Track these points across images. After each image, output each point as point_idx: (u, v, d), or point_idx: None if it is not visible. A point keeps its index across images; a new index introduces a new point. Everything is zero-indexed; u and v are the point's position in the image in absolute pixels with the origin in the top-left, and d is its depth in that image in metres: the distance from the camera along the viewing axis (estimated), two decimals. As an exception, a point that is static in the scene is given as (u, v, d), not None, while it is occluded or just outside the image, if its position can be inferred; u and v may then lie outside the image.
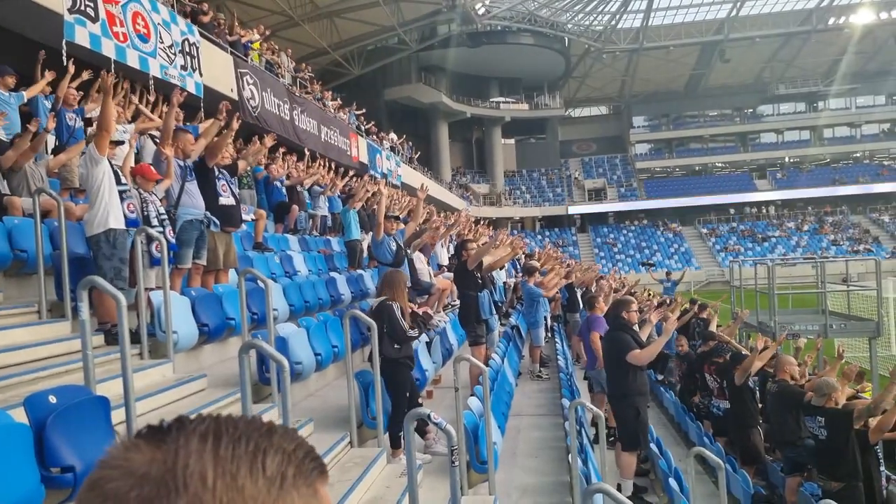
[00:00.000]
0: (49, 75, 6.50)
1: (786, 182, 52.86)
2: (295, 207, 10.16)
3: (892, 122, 55.45)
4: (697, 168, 57.09)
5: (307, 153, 13.63)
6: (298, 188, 10.56)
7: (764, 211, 52.51)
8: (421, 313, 5.09)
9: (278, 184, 10.33)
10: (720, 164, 57.29)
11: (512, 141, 55.87)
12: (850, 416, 5.48)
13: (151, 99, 8.51)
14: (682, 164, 57.39)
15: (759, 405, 7.13)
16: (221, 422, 0.52)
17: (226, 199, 5.67)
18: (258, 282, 5.35)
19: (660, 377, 9.66)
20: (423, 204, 8.38)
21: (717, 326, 9.48)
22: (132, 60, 8.87)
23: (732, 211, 51.86)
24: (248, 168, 8.96)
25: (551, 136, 56.87)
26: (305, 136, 15.53)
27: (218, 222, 5.31)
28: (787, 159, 55.33)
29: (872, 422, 5.57)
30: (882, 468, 5.80)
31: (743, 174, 55.90)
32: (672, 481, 5.60)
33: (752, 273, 15.13)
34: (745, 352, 7.86)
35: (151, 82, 9.27)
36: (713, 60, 53.22)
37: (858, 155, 54.84)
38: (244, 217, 7.03)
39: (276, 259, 8.16)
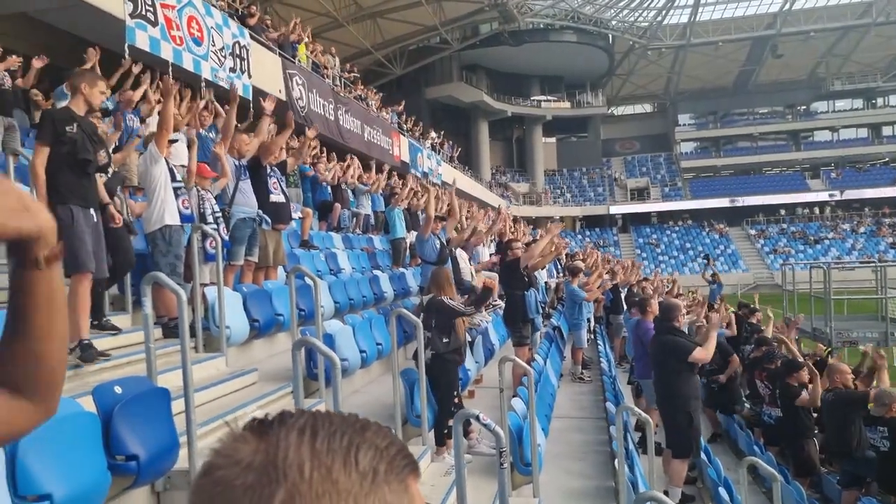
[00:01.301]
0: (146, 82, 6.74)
1: (841, 182, 50.85)
2: (338, 205, 10.30)
3: (957, 120, 52.82)
4: (746, 167, 55.45)
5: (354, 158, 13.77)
6: (343, 186, 10.71)
7: (817, 212, 50.66)
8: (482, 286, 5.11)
9: (324, 182, 10.50)
10: (770, 164, 55.52)
11: (553, 140, 55.39)
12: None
13: (202, 104, 8.74)
14: (729, 163, 55.84)
15: (815, 414, 6.88)
16: (318, 417, 0.54)
17: (276, 197, 5.79)
18: (305, 279, 5.45)
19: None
20: (455, 197, 8.37)
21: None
22: (187, 63, 9.15)
23: (783, 212, 50.21)
24: (296, 166, 9.13)
25: (593, 135, 56.15)
26: (349, 136, 15.73)
27: (269, 220, 5.43)
28: (842, 158, 53.23)
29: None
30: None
31: (795, 174, 54.08)
32: (722, 491, 5.47)
33: (805, 277, 14.61)
34: (800, 358, 7.61)
35: (203, 84, 9.53)
36: (764, 56, 51.59)
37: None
38: (292, 215, 7.17)
39: (322, 257, 8.29)
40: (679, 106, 57.92)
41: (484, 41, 42.10)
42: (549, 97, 51.70)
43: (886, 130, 54.27)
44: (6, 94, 6.45)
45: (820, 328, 12.13)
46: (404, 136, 20.97)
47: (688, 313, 7.09)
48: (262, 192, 5.67)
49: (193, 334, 4.50)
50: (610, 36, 48.31)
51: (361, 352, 5.63)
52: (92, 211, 3.76)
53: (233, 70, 10.64)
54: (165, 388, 2.83)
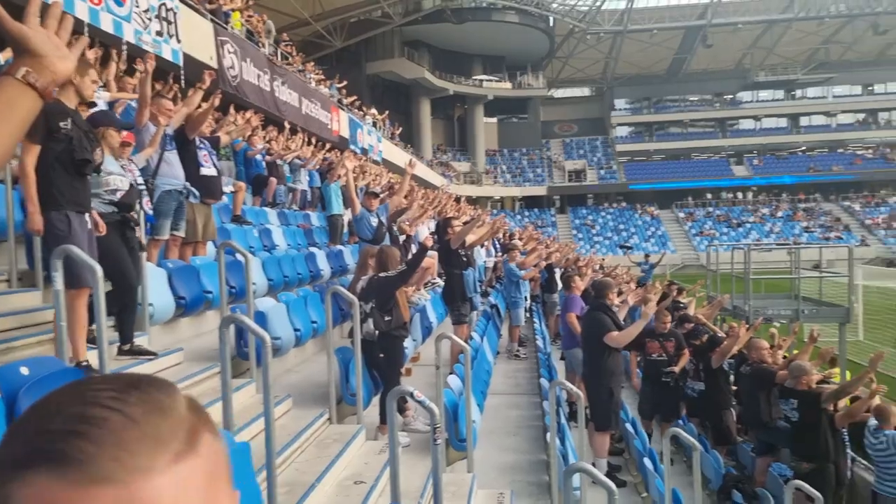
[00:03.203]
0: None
1: (762, 168, 53.60)
2: (273, 180, 9.98)
3: (867, 112, 56.43)
4: (676, 152, 57.58)
5: (287, 126, 13.38)
6: (278, 161, 10.38)
7: (740, 196, 53.24)
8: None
9: (259, 156, 10.14)
10: (699, 149, 57.85)
11: (494, 120, 55.73)
12: (819, 398, 5.62)
13: (123, 67, 8.20)
14: (661, 147, 57.81)
15: (734, 387, 7.25)
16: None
17: (207, 170, 5.53)
18: (236, 255, 5.25)
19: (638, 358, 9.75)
20: (410, 179, 8.30)
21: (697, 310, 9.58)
22: (106, 24, 8.57)
23: (709, 196, 52.51)
24: (229, 143, 8.77)
25: (533, 116, 56.80)
26: (286, 108, 15.26)
27: (198, 193, 5.18)
28: (764, 146, 56.05)
29: (840, 404, 5.73)
30: (848, 450, 5.97)
31: (721, 159, 56.54)
32: (647, 461, 5.70)
33: (728, 257, 15.34)
34: (720, 334, 7.97)
35: (124, 47, 8.97)
36: (695, 45, 53.40)
37: (833, 143, 55.77)
38: (223, 189, 6.89)
39: (255, 233, 8.03)
40: (615, 91, 59.31)
41: (426, 17, 41.66)
42: (490, 77, 51.84)
43: (804, 121, 57.44)
44: None
45: (739, 306, 12.77)
46: (344, 111, 20.53)
47: (620, 294, 7.27)
48: (191, 164, 5.39)
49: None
50: (551, 18, 48.77)
51: (295, 330, 5.50)
52: (86, 217, 3.44)
53: (160, 34, 10.07)
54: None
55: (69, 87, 3.34)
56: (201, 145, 5.61)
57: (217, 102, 6.10)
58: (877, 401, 5.90)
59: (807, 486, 4.88)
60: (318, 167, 11.60)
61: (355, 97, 22.94)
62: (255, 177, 10.00)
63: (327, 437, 4.06)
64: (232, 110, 9.74)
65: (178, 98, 6.65)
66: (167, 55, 10.17)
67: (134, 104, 6.58)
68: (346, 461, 3.83)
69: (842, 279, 13.74)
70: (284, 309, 5.48)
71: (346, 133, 20.23)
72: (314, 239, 9.79)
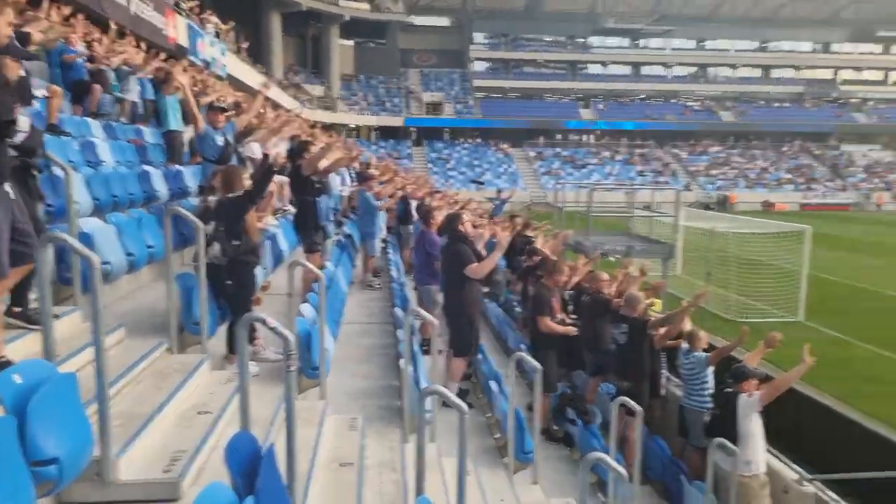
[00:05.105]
0: None
1: (606, 113, 57.28)
2: (97, 87, 8.74)
3: (699, 67, 62.02)
4: (531, 91, 59.53)
5: (113, 27, 11.70)
6: (102, 66, 9.08)
7: (585, 139, 56.72)
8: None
9: (79, 60, 8.78)
10: (551, 90, 60.27)
11: (351, 43, 53.52)
12: (646, 324, 6.26)
13: None
14: (516, 85, 59.35)
15: (574, 316, 7.82)
16: None
17: (9, 66, 4.66)
18: (53, 169, 4.59)
19: (486, 289, 10.16)
20: (262, 101, 7.72)
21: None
22: None
23: (559, 136, 55.32)
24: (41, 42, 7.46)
25: (391, 43, 55.35)
26: (110, 7, 13.34)
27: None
28: (609, 91, 59.71)
29: (661, 330, 6.44)
30: (664, 370, 6.76)
31: (570, 102, 59.44)
32: (492, 383, 6.04)
33: (572, 196, 16.37)
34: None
35: None
36: (553, -17, 54.63)
37: (668, 94, 60.83)
38: (33, 93, 5.90)
39: (76, 146, 7.04)
40: (475, 24, 59.38)
41: (277, -83, 38.19)
42: (347, -5, 49.34)
43: (645, 70, 61.82)
44: None
45: (581, 241, 13.75)
46: (182, 16, 18.45)
47: (476, 226, 7.44)
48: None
49: None
50: (412, -64, 47.05)
51: (128, 254, 4.99)
52: (7, 187, 2.82)
53: None
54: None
55: None
56: (2, 36, 4.70)
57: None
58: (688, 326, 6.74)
59: (630, 400, 5.45)
60: (151, 76, 10.32)
61: (195, 2, 20.69)
62: (75, 82, 8.69)
63: (167, 368, 3.77)
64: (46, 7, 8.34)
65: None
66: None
67: None
68: (189, 391, 3.59)
69: (668, 219, 15.24)
70: (114, 231, 4.94)
71: (184, 41, 18.26)
72: (148, 157, 8.83)
